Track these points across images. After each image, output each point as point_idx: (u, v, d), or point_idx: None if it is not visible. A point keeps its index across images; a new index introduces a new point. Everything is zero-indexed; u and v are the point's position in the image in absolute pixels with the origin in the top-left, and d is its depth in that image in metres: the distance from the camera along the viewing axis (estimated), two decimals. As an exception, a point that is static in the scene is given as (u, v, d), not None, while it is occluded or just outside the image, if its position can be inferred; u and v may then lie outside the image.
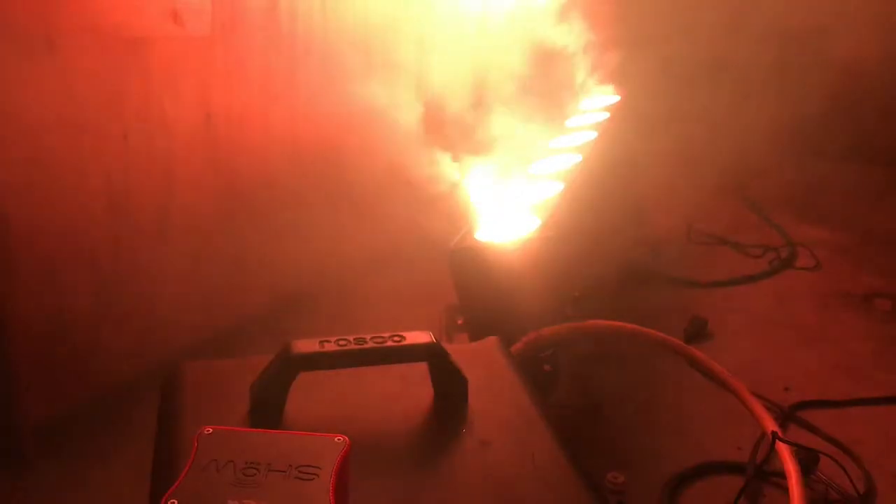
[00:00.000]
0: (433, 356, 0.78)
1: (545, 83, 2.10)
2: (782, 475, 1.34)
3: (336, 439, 0.60)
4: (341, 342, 0.75)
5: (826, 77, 3.68)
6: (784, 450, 1.31)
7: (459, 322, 1.37)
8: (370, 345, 0.75)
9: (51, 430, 1.49)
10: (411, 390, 0.80)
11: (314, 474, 0.57)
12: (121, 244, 1.56)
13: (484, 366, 0.86)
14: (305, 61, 1.97)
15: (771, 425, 1.36)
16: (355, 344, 0.75)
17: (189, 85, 1.66)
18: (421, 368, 0.78)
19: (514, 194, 1.58)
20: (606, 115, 2.30)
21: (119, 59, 1.50)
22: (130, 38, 1.51)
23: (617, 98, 2.50)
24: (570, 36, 2.14)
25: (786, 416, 1.66)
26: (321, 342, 0.75)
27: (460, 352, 0.83)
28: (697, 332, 2.02)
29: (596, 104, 2.42)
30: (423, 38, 1.94)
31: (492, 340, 0.94)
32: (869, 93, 3.76)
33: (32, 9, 1.33)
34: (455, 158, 1.50)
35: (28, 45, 1.34)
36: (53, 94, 1.39)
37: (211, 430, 0.60)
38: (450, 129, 1.57)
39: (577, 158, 1.84)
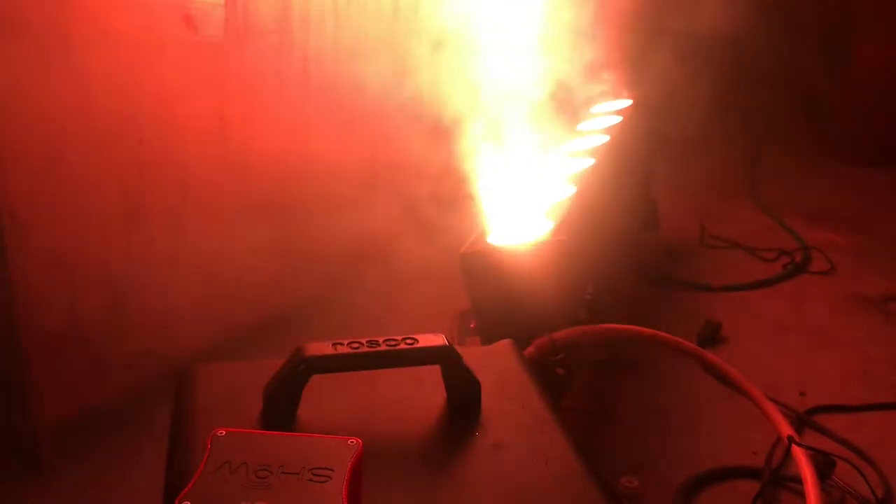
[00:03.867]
0: (446, 359, 0.77)
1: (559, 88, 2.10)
2: (798, 480, 1.33)
3: (349, 442, 0.60)
4: (354, 345, 0.75)
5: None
6: (800, 454, 1.30)
7: (472, 326, 1.37)
8: (383, 347, 0.75)
9: (65, 432, 1.49)
10: (424, 393, 0.80)
11: (327, 476, 0.56)
12: (135, 247, 1.57)
13: (497, 369, 0.86)
14: (317, 66, 1.98)
15: (787, 430, 1.35)
16: (368, 346, 0.75)
17: (202, 89, 1.67)
18: (434, 371, 0.78)
19: (527, 197, 1.57)
20: (619, 118, 2.29)
21: (133, 63, 1.51)
22: (144, 42, 1.52)
23: (629, 101, 2.49)
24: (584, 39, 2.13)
25: (801, 421, 1.65)
26: (334, 345, 0.75)
27: (473, 355, 0.82)
28: (711, 336, 2.01)
29: (608, 108, 2.41)
30: (436, 45, 1.94)
31: (504, 344, 0.93)
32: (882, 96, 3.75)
33: (48, 14, 1.34)
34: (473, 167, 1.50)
35: (44, 49, 1.35)
36: (68, 99, 1.40)
37: (224, 431, 0.61)
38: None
39: (590, 161, 1.83)
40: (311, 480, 0.56)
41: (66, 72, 1.39)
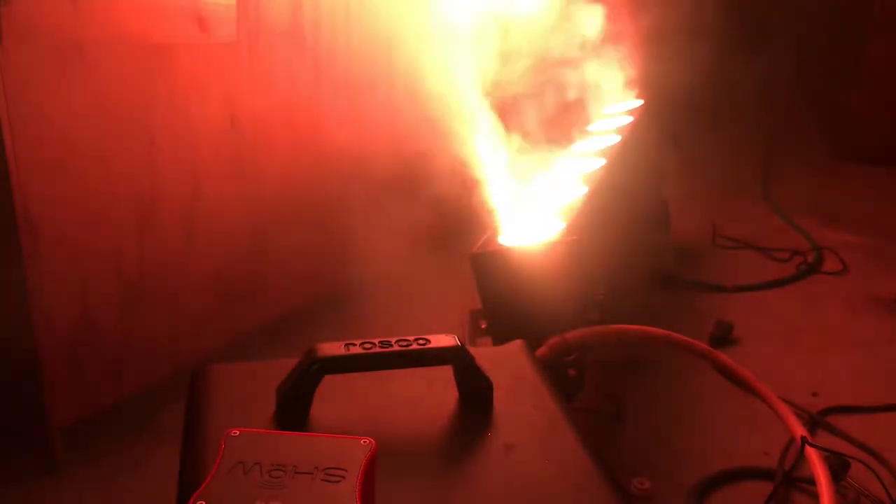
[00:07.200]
0: (458, 359, 0.77)
1: (568, 87, 2.10)
2: (811, 481, 1.32)
3: (362, 442, 0.60)
4: (366, 345, 0.75)
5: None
6: (813, 455, 1.29)
7: (483, 326, 1.37)
8: (395, 348, 0.75)
9: (79, 433, 1.50)
10: (436, 393, 0.80)
11: (340, 476, 0.57)
12: (147, 247, 1.58)
13: (509, 369, 0.86)
14: (329, 67, 1.98)
15: (800, 430, 1.35)
16: (380, 347, 0.75)
17: (214, 90, 1.68)
18: (446, 372, 0.78)
19: (538, 198, 1.57)
20: (630, 118, 2.29)
21: (146, 65, 1.52)
22: (157, 44, 1.53)
23: (640, 102, 2.49)
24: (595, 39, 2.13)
25: (814, 422, 1.64)
26: (346, 345, 0.75)
27: (485, 355, 0.82)
28: (723, 336, 2.00)
29: (619, 108, 2.41)
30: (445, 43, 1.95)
31: (516, 344, 0.93)
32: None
33: (63, 18, 1.35)
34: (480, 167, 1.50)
35: (59, 53, 1.35)
36: (82, 101, 1.41)
37: (238, 432, 0.61)
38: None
39: (601, 162, 1.83)
40: (324, 480, 0.56)
41: (80, 74, 1.39)
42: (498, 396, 0.79)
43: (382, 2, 2.12)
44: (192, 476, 0.67)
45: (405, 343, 0.76)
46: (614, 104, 2.43)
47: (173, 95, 1.58)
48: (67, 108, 1.39)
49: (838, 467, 1.37)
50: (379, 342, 0.75)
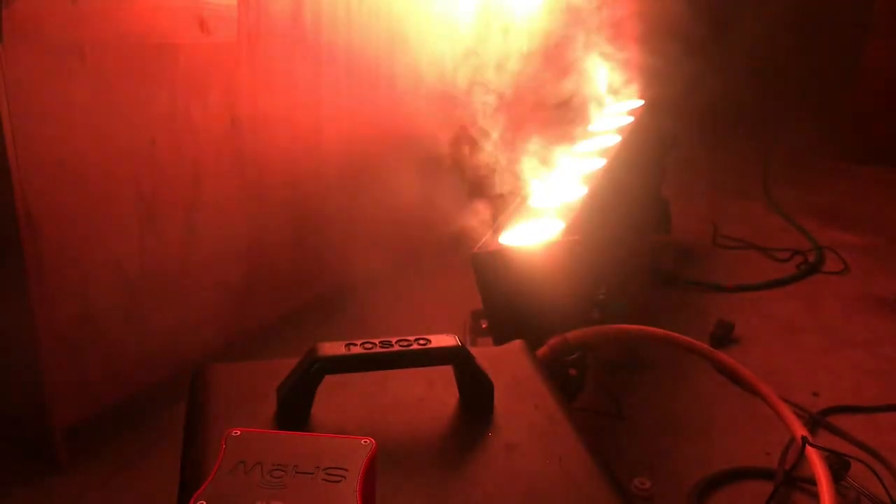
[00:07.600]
0: (458, 359, 0.78)
1: (569, 87, 2.10)
2: (812, 481, 1.32)
3: (362, 441, 0.60)
4: (367, 345, 0.75)
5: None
6: (814, 455, 1.29)
7: (484, 326, 1.37)
8: (396, 348, 0.75)
9: (80, 432, 1.50)
10: (437, 393, 0.80)
11: (341, 476, 0.57)
12: (148, 247, 1.58)
13: (509, 369, 0.86)
14: (330, 68, 1.98)
15: (800, 430, 1.35)
16: (381, 347, 0.75)
17: (215, 91, 1.68)
18: (446, 371, 0.79)
19: (539, 196, 1.57)
20: (630, 118, 2.29)
21: (147, 65, 1.52)
22: (158, 45, 1.53)
23: (641, 102, 2.49)
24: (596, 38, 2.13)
25: (815, 422, 1.64)
26: (347, 345, 0.75)
27: (485, 355, 0.83)
28: (724, 336, 2.00)
29: (619, 108, 2.41)
30: (446, 42, 1.95)
31: (517, 344, 0.94)
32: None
33: (64, 19, 1.35)
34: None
35: (60, 54, 1.35)
36: (83, 101, 1.41)
37: (239, 431, 0.61)
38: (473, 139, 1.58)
39: (602, 162, 1.83)
40: (325, 480, 0.56)
41: (80, 74, 1.39)
42: (499, 396, 0.79)
43: (383, 2, 2.12)
44: (193, 476, 0.67)
45: (406, 343, 0.76)
46: (614, 104, 2.43)
47: (173, 95, 1.58)
48: (67, 108, 1.39)
49: (839, 467, 1.37)
50: (379, 342, 0.76)
